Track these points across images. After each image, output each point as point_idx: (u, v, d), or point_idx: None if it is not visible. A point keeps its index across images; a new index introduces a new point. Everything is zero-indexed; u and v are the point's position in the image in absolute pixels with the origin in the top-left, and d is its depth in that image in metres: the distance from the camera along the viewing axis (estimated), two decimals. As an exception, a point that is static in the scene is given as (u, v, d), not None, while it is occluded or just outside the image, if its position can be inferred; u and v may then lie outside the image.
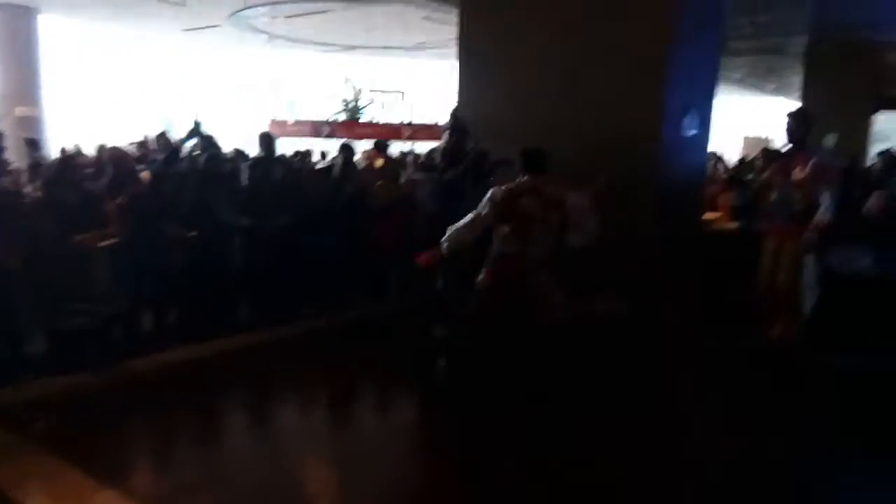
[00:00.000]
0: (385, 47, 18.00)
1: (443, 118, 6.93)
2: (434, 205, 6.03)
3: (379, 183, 7.05)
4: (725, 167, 9.12)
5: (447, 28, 12.38)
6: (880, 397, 4.63)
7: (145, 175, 6.40)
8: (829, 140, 11.31)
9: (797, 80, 16.81)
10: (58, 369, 4.66)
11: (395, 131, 17.18)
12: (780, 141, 11.74)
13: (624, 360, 5.16)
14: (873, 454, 3.89)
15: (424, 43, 16.77)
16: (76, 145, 10.55)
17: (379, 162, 8.43)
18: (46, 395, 4.36)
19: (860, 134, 12.05)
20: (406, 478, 3.75)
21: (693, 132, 6.17)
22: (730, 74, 17.92)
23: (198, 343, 5.34)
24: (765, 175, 5.57)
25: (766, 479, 3.61)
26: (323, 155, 11.90)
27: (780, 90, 21.96)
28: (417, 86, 21.25)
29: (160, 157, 7.31)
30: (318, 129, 17.42)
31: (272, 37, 16.72)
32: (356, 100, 20.16)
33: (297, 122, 18.22)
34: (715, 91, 6.56)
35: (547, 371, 4.27)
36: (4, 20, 14.26)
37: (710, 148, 7.00)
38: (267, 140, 6.86)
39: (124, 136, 11.30)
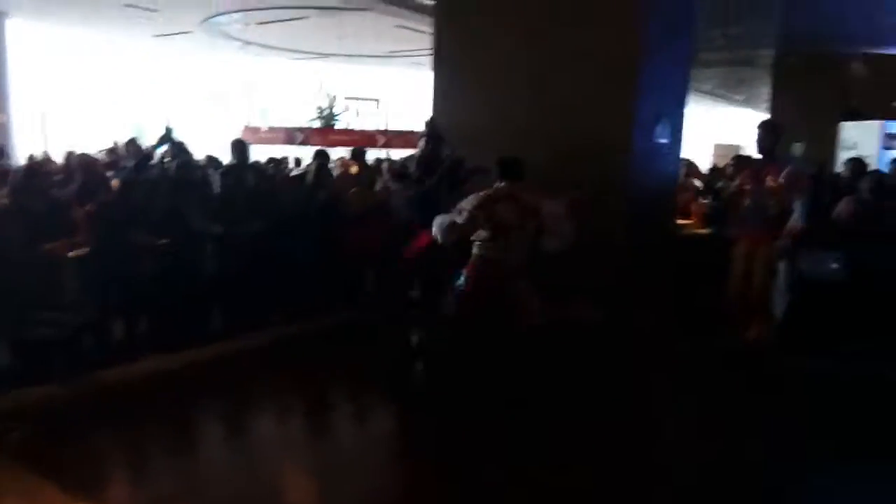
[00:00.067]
0: (358, 55, 17.98)
1: (418, 125, 6.94)
2: (409, 212, 6.03)
3: (353, 190, 7.04)
4: (697, 174, 9.23)
5: (421, 36, 12.43)
6: (851, 400, 4.70)
7: (115, 183, 6.30)
8: (797, 149, 11.56)
9: (766, 91, 17.16)
10: (25, 380, 4.56)
11: (370, 139, 17.13)
12: (749, 149, 11.95)
13: (599, 365, 5.20)
14: (844, 457, 3.95)
15: (398, 51, 16.79)
16: (44, 152, 10.38)
17: (354, 169, 8.41)
18: (22, 407, 4.26)
19: (827, 143, 12.31)
20: (384, 486, 3.72)
21: (664, 140, 6.25)
22: (700, 85, 18.20)
23: (170, 352, 5.26)
24: (736, 182, 5.66)
25: (739, 483, 3.65)
26: (297, 162, 11.84)
27: (749, 101, 22.35)
28: (393, 93, 21.24)
29: (130, 163, 7.21)
30: (292, 136, 17.31)
31: (245, 43, 16.62)
32: (331, 107, 20.07)
33: (271, 129, 18.10)
34: (686, 100, 6.66)
35: (524, 376, 4.28)
36: (-29, 25, 14.00)
37: (682, 156, 7.10)
38: (240, 147, 6.80)
39: (94, 143, 11.12)
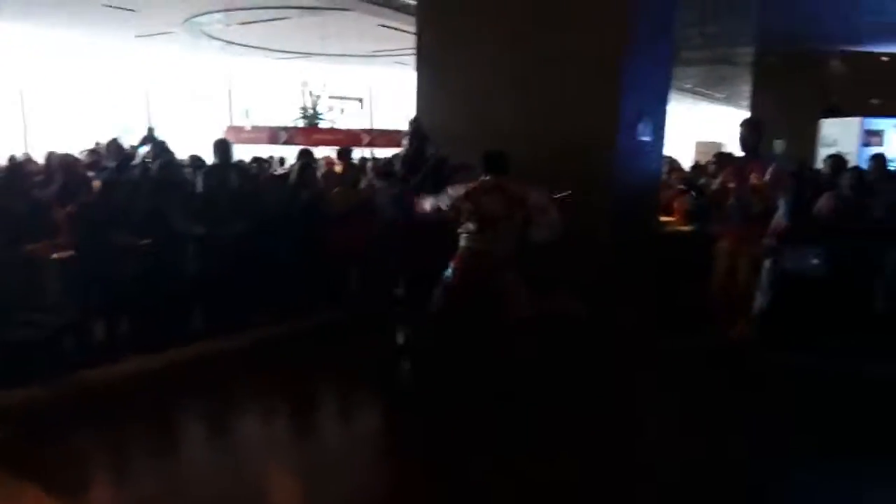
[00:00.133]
0: (342, 55, 17.92)
1: (403, 125, 6.93)
2: (393, 210, 6.02)
3: (336, 189, 7.02)
4: (679, 172, 9.30)
5: (404, 35, 12.41)
6: (833, 397, 4.74)
7: (96, 183, 6.25)
8: (778, 146, 11.68)
9: (746, 89, 17.29)
10: (6, 382, 4.50)
11: (355, 138, 17.08)
12: (731, 146, 12.05)
13: (584, 361, 5.23)
14: (827, 453, 3.98)
15: (381, 50, 16.75)
16: (25, 153, 10.27)
17: (338, 168, 8.40)
18: (3, 408, 4.23)
19: (807, 140, 12.44)
20: (371, 484, 3.71)
21: (647, 138, 6.29)
22: (681, 84, 18.32)
23: (152, 353, 5.23)
24: (719, 179, 5.69)
25: (722, 479, 3.68)
26: (281, 161, 11.79)
27: (730, 99, 22.53)
28: (377, 92, 21.19)
29: (111, 164, 7.16)
30: (275, 135, 17.22)
31: (227, 43, 16.51)
32: (314, 106, 20.00)
33: (255, 129, 17.99)
34: (668, 98, 6.70)
35: (511, 369, 4.30)
36: (-51, 25, 13.81)
37: (665, 153, 7.15)
38: (223, 146, 6.75)
39: (76, 143, 11.02)
